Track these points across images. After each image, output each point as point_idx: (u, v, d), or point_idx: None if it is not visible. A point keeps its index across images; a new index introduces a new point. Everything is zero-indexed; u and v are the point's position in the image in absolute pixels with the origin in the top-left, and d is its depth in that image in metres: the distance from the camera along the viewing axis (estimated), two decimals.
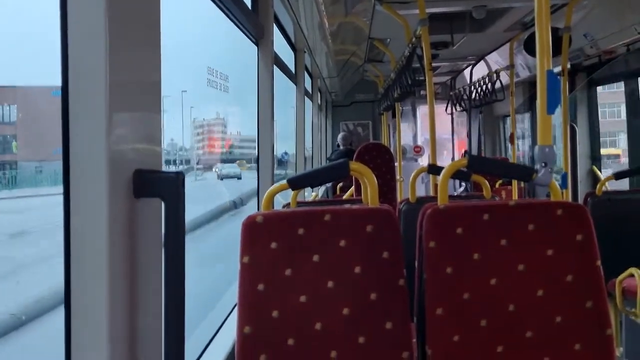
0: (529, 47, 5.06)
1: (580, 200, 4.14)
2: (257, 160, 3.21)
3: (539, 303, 1.77)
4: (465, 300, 1.77)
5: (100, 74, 0.89)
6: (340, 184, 7.01)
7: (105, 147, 0.90)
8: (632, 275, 2.90)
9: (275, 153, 3.34)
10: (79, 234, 0.91)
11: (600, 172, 5.59)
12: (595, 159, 5.71)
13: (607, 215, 3.32)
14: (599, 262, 1.78)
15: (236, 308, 1.76)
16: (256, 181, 3.22)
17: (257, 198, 3.28)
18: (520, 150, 7.31)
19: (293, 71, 5.38)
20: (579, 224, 1.79)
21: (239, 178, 23.75)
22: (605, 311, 1.77)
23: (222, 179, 23.84)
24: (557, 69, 4.29)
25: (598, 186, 3.45)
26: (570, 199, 4.84)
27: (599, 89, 5.76)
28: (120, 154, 0.93)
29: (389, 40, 5.68)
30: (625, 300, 3.04)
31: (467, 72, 7.80)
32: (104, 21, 0.89)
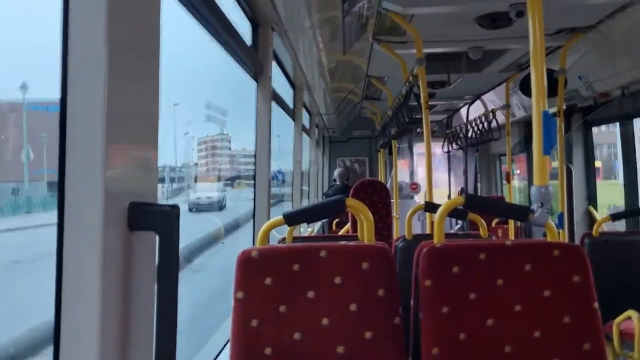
0: (525, 87, 5.12)
1: (577, 241, 4.14)
2: (254, 197, 3.21)
3: (536, 344, 1.74)
4: (462, 340, 1.74)
5: (98, 106, 0.89)
6: (337, 220, 7.00)
7: (101, 179, 0.89)
8: (629, 318, 2.88)
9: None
10: (72, 267, 0.90)
11: (597, 211, 5.60)
12: (592, 199, 5.72)
13: (604, 256, 3.31)
14: (596, 304, 1.76)
15: (229, 344, 1.73)
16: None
17: (252, 232, 3.27)
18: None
19: (291, 107, 5.42)
20: (576, 265, 1.78)
21: (221, 207, 17.40)
22: (603, 354, 1.75)
23: (192, 210, 17.04)
24: (553, 110, 4.33)
25: (595, 227, 3.45)
26: (567, 240, 4.83)
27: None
28: (115, 186, 0.92)
29: (386, 78, 5.75)
30: (623, 343, 3.00)
31: (463, 110, 7.88)
32: (103, 54, 0.89)
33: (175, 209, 0.95)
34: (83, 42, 0.90)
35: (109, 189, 0.90)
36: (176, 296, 0.94)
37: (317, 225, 7.30)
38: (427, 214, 3.88)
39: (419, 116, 4.10)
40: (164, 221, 0.95)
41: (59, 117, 0.92)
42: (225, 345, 2.41)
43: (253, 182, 3.24)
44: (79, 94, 0.91)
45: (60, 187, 0.91)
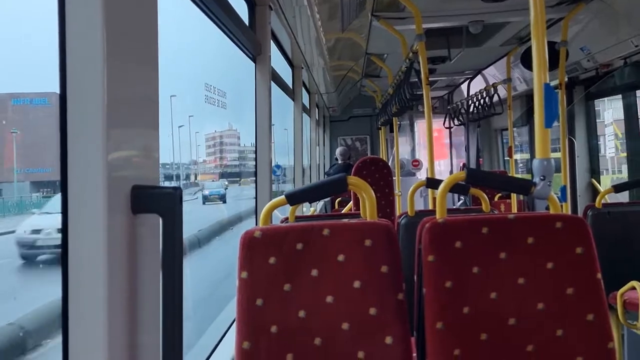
0: (526, 60, 5.09)
1: (580, 213, 4.14)
2: (255, 175, 3.22)
3: (539, 316, 1.76)
4: (466, 314, 1.76)
5: (97, 90, 0.89)
6: (339, 199, 7.01)
7: (103, 163, 0.89)
8: (633, 288, 2.89)
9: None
10: (78, 252, 0.91)
11: (599, 184, 5.60)
12: (594, 171, 5.72)
13: (607, 227, 3.31)
14: (599, 275, 1.77)
15: (235, 323, 1.75)
16: None
17: (255, 213, 3.28)
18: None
19: (291, 87, 5.40)
20: (579, 237, 1.79)
21: None
22: (607, 324, 1.76)
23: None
24: (555, 83, 4.31)
25: (597, 199, 3.45)
26: (569, 212, 4.83)
27: None
28: (118, 170, 0.93)
29: (386, 55, 5.71)
30: (626, 313, 3.02)
31: (464, 86, 7.84)
32: (101, 38, 0.89)
33: (178, 190, 0.95)
34: (80, 29, 0.90)
35: (112, 173, 0.91)
36: (181, 276, 0.95)
37: (320, 204, 7.32)
38: (429, 190, 3.89)
39: (419, 92, 4.08)
40: (166, 203, 0.95)
41: (59, 104, 0.92)
42: (231, 325, 2.44)
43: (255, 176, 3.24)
44: (78, 80, 0.90)
45: (63, 173, 0.92)
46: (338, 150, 8.65)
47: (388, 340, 1.72)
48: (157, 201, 0.96)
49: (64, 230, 0.92)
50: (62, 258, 0.92)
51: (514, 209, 5.94)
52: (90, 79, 0.90)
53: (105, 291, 0.90)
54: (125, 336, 0.94)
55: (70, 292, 0.91)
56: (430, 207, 3.92)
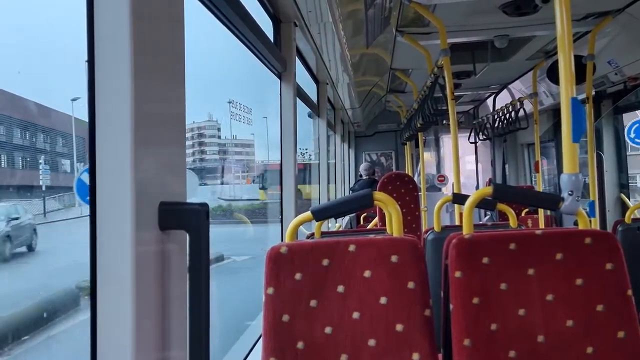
0: (553, 74, 5.04)
1: (609, 229, 4.06)
2: (281, 190, 3.23)
3: (569, 334, 1.72)
4: (493, 331, 1.73)
5: (125, 107, 0.91)
6: (364, 214, 6.99)
7: (131, 180, 0.91)
8: None
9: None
10: (106, 267, 0.92)
11: (629, 199, 5.49)
12: (623, 186, 5.62)
13: (637, 243, 3.24)
14: (630, 292, 1.74)
15: (261, 339, 1.75)
16: None
17: (280, 228, 3.29)
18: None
19: (316, 103, 5.43)
20: (609, 253, 1.75)
21: None
22: (638, 342, 1.72)
23: None
24: (582, 97, 4.25)
25: (627, 214, 3.38)
26: (598, 228, 4.74)
27: None
28: (145, 186, 0.94)
29: (410, 70, 5.71)
30: None
31: (490, 100, 7.79)
32: (129, 56, 0.91)
33: (204, 207, 0.96)
34: (109, 46, 0.92)
35: (140, 189, 0.92)
36: (208, 293, 0.96)
37: (345, 220, 7.30)
38: (456, 205, 3.86)
39: (444, 107, 4.07)
40: (193, 220, 0.96)
41: (87, 121, 0.94)
42: (257, 341, 2.43)
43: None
44: (106, 98, 0.92)
45: (91, 190, 0.93)
46: (362, 166, 8.66)
47: (415, 357, 1.70)
48: (184, 217, 0.97)
49: (92, 246, 0.93)
50: (90, 273, 0.94)
51: (542, 225, 5.85)
52: (118, 97, 0.91)
53: (133, 307, 0.91)
54: (152, 351, 0.95)
55: (99, 308, 0.93)
56: (457, 222, 3.88)
